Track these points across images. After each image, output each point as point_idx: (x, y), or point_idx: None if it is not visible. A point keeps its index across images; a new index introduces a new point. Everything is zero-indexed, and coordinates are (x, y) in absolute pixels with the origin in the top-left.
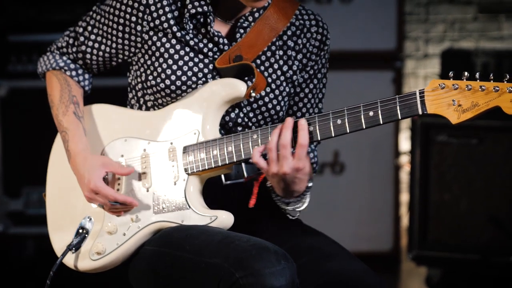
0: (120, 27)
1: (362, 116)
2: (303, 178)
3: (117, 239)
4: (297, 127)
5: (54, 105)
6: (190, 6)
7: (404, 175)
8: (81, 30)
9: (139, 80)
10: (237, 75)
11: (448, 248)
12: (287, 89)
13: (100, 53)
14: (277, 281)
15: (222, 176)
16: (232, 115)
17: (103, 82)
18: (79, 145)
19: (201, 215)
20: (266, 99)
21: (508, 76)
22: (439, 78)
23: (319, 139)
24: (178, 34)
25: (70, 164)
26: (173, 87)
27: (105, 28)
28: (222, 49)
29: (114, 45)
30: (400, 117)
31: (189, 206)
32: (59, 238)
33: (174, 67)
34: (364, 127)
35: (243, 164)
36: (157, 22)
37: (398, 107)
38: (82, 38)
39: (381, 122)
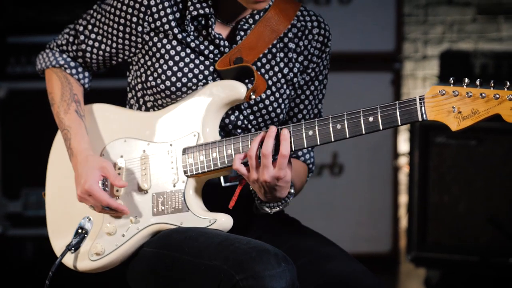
0: (121, 27)
1: (362, 122)
2: (284, 186)
3: (116, 240)
4: (279, 137)
5: (55, 103)
6: (191, 8)
7: (403, 177)
8: (81, 28)
9: (139, 80)
10: (237, 77)
11: (447, 250)
12: (288, 92)
13: (100, 52)
14: (277, 283)
15: (221, 178)
16: (232, 117)
17: (103, 83)
18: (82, 144)
19: (200, 217)
20: (267, 102)
21: (508, 84)
22: (438, 80)
23: (318, 143)
24: (179, 36)
25: (71, 162)
26: (173, 89)
27: (105, 27)
28: (222, 51)
29: (114, 44)
30: (400, 123)
31: (188, 209)
32: (59, 237)
33: (175, 68)
34: (363, 132)
35: None
36: (158, 23)
37: (398, 113)
38: (82, 37)
39: (381, 128)
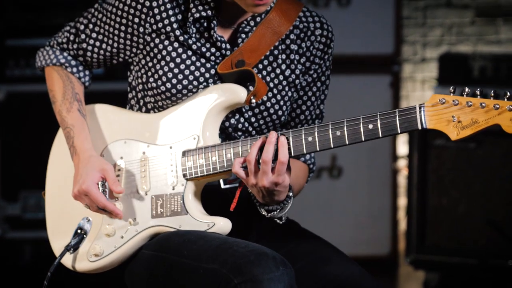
0: (123, 27)
1: (362, 129)
2: (282, 190)
3: (115, 241)
4: (277, 143)
5: (57, 101)
6: (194, 10)
7: (402, 179)
8: (82, 27)
9: (139, 81)
10: (238, 81)
11: (446, 252)
12: (290, 94)
13: (101, 52)
14: (276, 287)
15: (221, 180)
16: (232, 120)
17: (102, 86)
18: (85, 143)
19: (198, 221)
20: (268, 104)
21: (508, 94)
22: (437, 82)
23: (317, 149)
24: (181, 38)
25: (73, 160)
26: (173, 91)
27: (106, 27)
28: (224, 54)
29: (115, 44)
30: (399, 131)
31: (187, 212)
32: (58, 237)
33: (176, 70)
34: (363, 139)
35: None
36: (160, 25)
37: (397, 121)
38: (83, 36)
39: (380, 136)
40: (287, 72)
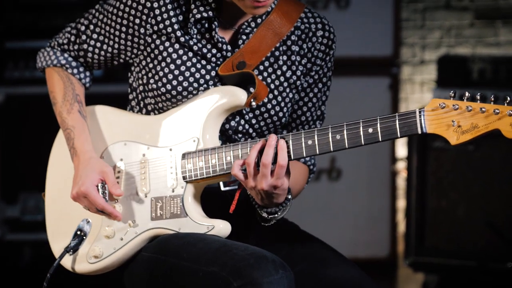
0: (123, 28)
1: (361, 133)
2: (281, 193)
3: (115, 243)
4: (277, 147)
5: (57, 103)
6: (195, 11)
7: (401, 181)
8: (83, 28)
9: (140, 82)
10: (239, 83)
11: (445, 254)
12: (291, 95)
13: (102, 53)
14: None
15: (221, 182)
16: (233, 123)
17: (102, 88)
18: (85, 145)
19: (198, 223)
20: (269, 106)
21: (509, 99)
22: (436, 84)
23: (317, 153)
24: (182, 39)
25: (73, 161)
26: (174, 92)
27: (107, 28)
28: (225, 55)
29: (116, 45)
30: (399, 136)
31: (187, 214)
32: (57, 239)
33: (176, 72)
34: (363, 143)
35: None
36: (161, 26)
37: (397, 125)
38: (84, 37)
39: (380, 140)
40: (288, 74)
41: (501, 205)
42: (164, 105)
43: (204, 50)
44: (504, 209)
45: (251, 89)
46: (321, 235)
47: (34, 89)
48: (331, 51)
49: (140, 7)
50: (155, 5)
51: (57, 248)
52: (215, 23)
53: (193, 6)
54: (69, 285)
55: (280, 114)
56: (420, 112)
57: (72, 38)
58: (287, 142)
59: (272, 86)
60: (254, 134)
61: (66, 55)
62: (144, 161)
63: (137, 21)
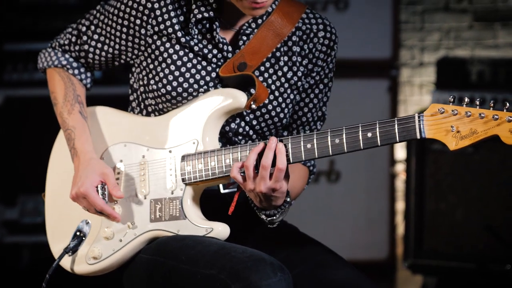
0: (124, 29)
1: (360, 137)
2: (279, 196)
3: (114, 245)
4: (275, 150)
5: (58, 103)
6: (196, 11)
7: (400, 184)
8: (84, 29)
9: (141, 83)
10: (239, 84)
11: (443, 257)
12: (292, 96)
13: (103, 53)
14: None
15: (220, 185)
16: (233, 125)
17: (102, 90)
18: (86, 146)
19: (197, 226)
20: (270, 107)
21: (508, 105)
22: (434, 86)
23: (316, 157)
24: (183, 40)
25: (74, 162)
26: (174, 93)
27: (108, 29)
28: (226, 56)
29: (117, 46)
30: (398, 140)
31: (185, 217)
32: (57, 240)
33: (176, 73)
34: (362, 147)
35: None
36: (161, 26)
37: (396, 130)
38: (85, 37)
39: (379, 144)
40: (289, 74)
41: (499, 208)
42: (164, 106)
43: (205, 51)
44: (503, 212)
45: (252, 90)
46: (320, 237)
47: (33, 91)
48: (333, 52)
49: (140, 8)
50: (156, 5)
51: (56, 249)
52: (216, 23)
53: (194, 6)
54: (68, 286)
55: (281, 115)
56: (419, 117)
57: (73, 39)
58: (286, 146)
59: (273, 87)
60: (254, 136)
61: (67, 55)
62: (143, 162)
63: (138, 21)
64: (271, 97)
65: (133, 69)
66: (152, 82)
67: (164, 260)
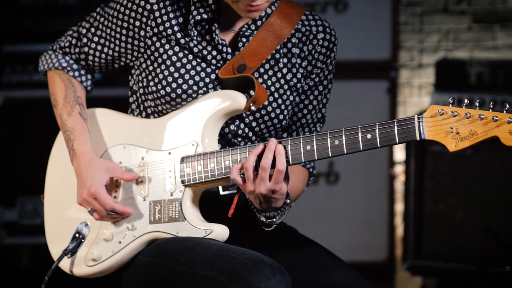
0: (124, 31)
1: (360, 138)
2: (279, 198)
3: (113, 246)
4: (275, 152)
5: (58, 105)
6: (195, 12)
7: (399, 185)
8: (84, 31)
9: (140, 85)
10: (239, 86)
11: (443, 258)
12: (291, 98)
13: (103, 55)
14: None
15: (220, 186)
16: (232, 126)
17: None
18: (85, 146)
19: (196, 228)
20: (269, 108)
21: (507, 106)
22: (434, 88)
23: (316, 158)
24: (182, 41)
25: (73, 164)
26: (173, 95)
27: (108, 31)
28: (225, 57)
29: (117, 48)
30: (397, 142)
31: (185, 218)
32: (56, 242)
33: (176, 74)
34: (361, 149)
35: None
36: (161, 28)
37: (396, 132)
38: (85, 40)
39: (379, 146)
40: (289, 76)
41: (498, 209)
42: (164, 108)
43: (205, 52)
44: (502, 213)
45: (251, 92)
46: (320, 239)
47: (32, 93)
48: (332, 53)
49: (140, 10)
50: (155, 7)
51: (55, 251)
52: (215, 25)
53: (193, 7)
54: (68, 286)
55: (281, 116)
56: (418, 118)
57: (74, 41)
58: (285, 147)
59: (273, 88)
60: (254, 137)
61: (67, 58)
62: (143, 164)
63: (137, 23)
64: (271, 99)
65: (133, 71)
66: (151, 83)
67: (163, 261)
